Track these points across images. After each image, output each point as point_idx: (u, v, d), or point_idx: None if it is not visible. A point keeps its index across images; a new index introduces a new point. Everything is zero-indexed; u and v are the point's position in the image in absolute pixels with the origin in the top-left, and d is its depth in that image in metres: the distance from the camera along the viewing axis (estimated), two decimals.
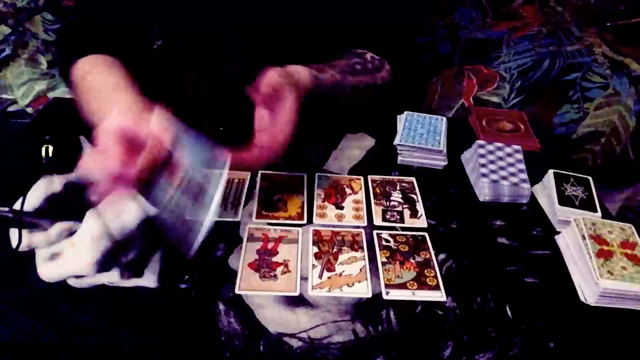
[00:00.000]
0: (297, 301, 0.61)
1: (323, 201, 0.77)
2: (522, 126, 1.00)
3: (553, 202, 0.77)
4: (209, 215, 0.53)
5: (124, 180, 0.51)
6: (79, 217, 0.59)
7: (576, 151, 1.18)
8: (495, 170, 0.82)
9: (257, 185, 0.79)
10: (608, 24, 1.28)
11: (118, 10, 0.79)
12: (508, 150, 0.87)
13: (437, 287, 0.64)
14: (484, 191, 0.81)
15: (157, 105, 0.55)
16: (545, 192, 0.81)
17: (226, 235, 0.70)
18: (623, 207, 1.15)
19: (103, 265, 0.58)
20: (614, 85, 1.17)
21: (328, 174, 0.83)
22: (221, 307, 0.60)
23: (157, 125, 0.52)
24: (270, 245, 0.68)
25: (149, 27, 0.90)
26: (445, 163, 0.88)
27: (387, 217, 0.76)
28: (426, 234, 0.72)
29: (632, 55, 1.21)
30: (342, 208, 0.76)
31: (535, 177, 0.83)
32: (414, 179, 0.84)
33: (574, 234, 0.70)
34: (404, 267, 0.67)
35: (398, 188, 0.82)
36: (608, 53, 1.23)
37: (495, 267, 0.69)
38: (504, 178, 0.81)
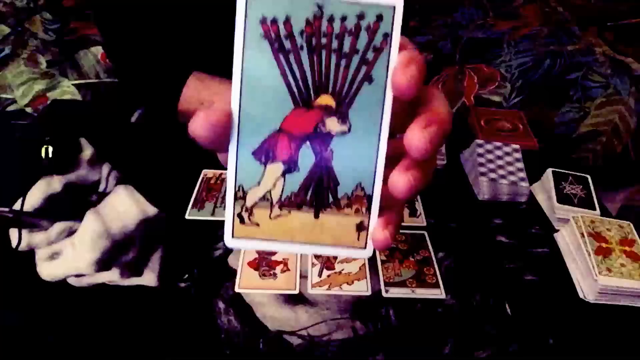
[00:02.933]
0: (297, 299, 0.61)
1: None
2: (520, 126, 1.00)
3: (552, 200, 0.77)
4: None
5: None
6: (79, 217, 0.59)
7: (577, 150, 1.18)
8: (493, 169, 0.82)
9: None
10: (608, 24, 1.28)
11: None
12: (506, 149, 0.87)
13: (436, 285, 0.64)
14: (482, 190, 0.81)
15: None
16: (544, 190, 0.81)
17: None
18: (623, 206, 1.15)
19: (103, 264, 0.58)
20: (615, 84, 1.17)
21: None
22: (221, 305, 0.60)
23: None
24: None
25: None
26: (444, 162, 0.88)
27: None
28: (425, 233, 0.73)
29: (633, 54, 1.21)
30: None
31: (534, 176, 0.83)
32: None
33: (573, 232, 0.70)
34: (404, 266, 0.67)
35: None
36: (609, 52, 1.23)
37: (494, 265, 0.69)
38: (503, 177, 0.81)
